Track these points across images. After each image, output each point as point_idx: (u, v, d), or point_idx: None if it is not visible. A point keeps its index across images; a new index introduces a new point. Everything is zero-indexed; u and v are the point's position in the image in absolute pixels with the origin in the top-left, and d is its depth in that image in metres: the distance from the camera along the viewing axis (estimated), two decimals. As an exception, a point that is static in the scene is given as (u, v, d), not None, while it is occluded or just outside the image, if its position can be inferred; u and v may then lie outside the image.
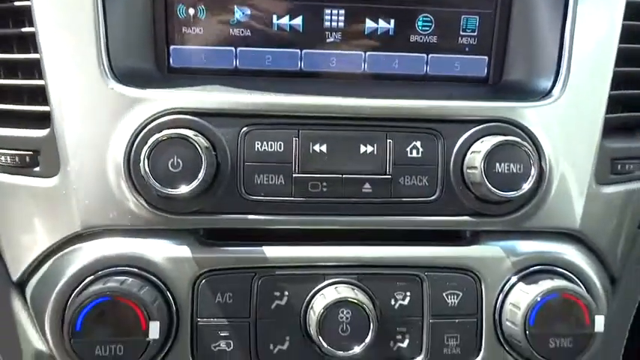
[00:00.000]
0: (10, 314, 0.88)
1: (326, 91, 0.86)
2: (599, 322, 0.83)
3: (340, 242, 0.87)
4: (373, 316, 0.81)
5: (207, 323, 0.83)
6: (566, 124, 0.89)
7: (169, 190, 0.77)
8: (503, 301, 0.87)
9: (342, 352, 0.80)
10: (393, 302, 0.86)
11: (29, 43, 0.85)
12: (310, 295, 0.84)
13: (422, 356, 0.87)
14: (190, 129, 0.79)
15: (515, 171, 0.82)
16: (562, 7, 0.90)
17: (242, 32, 0.92)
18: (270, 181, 0.83)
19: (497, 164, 0.82)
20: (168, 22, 0.91)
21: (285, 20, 0.92)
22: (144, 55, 0.89)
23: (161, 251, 0.83)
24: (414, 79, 0.96)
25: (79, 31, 0.82)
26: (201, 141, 0.78)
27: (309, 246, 0.86)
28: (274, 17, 0.91)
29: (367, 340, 0.80)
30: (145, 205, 0.81)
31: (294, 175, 0.83)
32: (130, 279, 0.80)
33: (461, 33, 0.96)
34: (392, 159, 0.85)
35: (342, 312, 0.81)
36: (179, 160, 0.77)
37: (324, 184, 0.84)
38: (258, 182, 0.83)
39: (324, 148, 0.84)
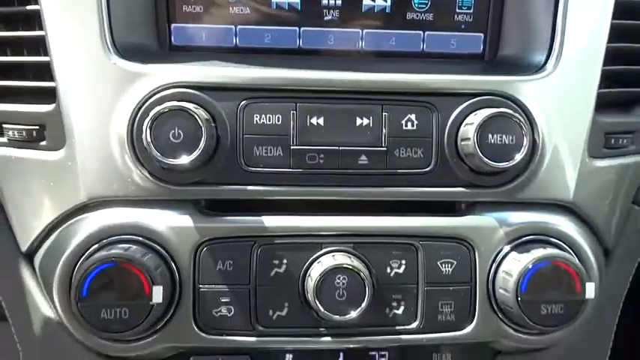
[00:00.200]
0: (20, 284, 0.92)
1: (323, 66, 0.88)
2: (590, 289, 0.85)
3: (337, 213, 0.89)
4: (369, 282, 0.84)
5: (209, 289, 0.86)
6: (559, 97, 0.91)
7: (170, 160, 0.79)
8: (496, 270, 0.89)
9: (338, 317, 0.83)
10: (388, 270, 0.88)
11: (34, 21, 0.87)
12: (308, 262, 0.87)
13: (417, 322, 0.89)
14: (191, 102, 0.82)
15: (507, 142, 0.84)
16: None
17: (241, 10, 0.95)
18: (268, 153, 0.85)
19: (490, 135, 0.84)
20: (169, 0, 0.93)
21: (283, -2, 0.94)
22: (146, 32, 0.92)
23: (164, 221, 0.86)
24: (410, 56, 0.98)
25: (82, 9, 0.85)
26: (201, 113, 0.80)
27: (307, 216, 0.89)
28: (273, -5, 0.94)
29: (363, 305, 0.83)
30: (148, 176, 0.84)
31: (291, 147, 0.86)
32: (134, 246, 0.83)
33: (457, 10, 0.98)
34: (387, 131, 0.87)
35: (339, 278, 0.83)
36: (180, 131, 0.79)
37: (321, 155, 0.86)
38: (257, 154, 0.85)
39: (321, 121, 0.86)
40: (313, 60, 0.94)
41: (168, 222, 0.86)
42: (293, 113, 0.86)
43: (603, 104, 0.95)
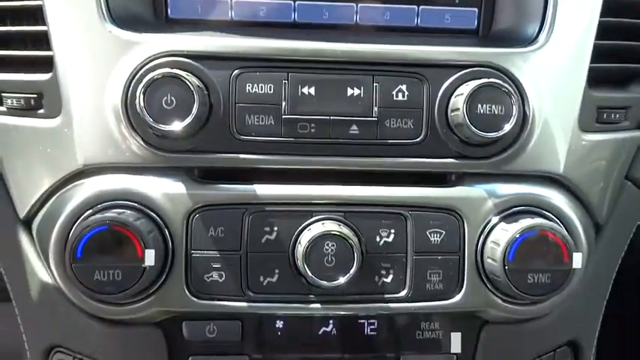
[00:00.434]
0: (19, 250, 0.94)
1: (316, 38, 0.89)
2: (577, 259, 0.86)
3: (328, 182, 0.91)
4: (357, 249, 0.85)
5: (201, 255, 0.87)
6: (551, 70, 0.92)
7: (163, 126, 0.81)
8: (484, 240, 0.90)
9: (326, 283, 0.84)
10: (378, 239, 0.89)
11: None
12: (298, 230, 0.88)
13: (405, 291, 0.90)
14: (184, 70, 0.83)
15: (496, 112, 0.85)
16: None
17: (238, -16, 0.96)
18: (260, 122, 0.87)
19: (479, 106, 0.85)
20: (166, -28, 0.95)
21: (278, -29, 0.95)
22: (143, 4, 0.93)
23: (157, 187, 0.87)
24: (405, 31, 0.99)
25: None
26: (193, 80, 0.82)
27: (298, 185, 0.90)
28: (268, -31, 0.95)
29: (351, 271, 0.84)
30: (142, 143, 0.85)
31: (283, 117, 0.87)
32: (128, 211, 0.85)
33: None
34: (378, 102, 0.88)
35: (328, 245, 0.85)
36: (172, 97, 0.81)
37: (313, 125, 0.87)
38: (249, 123, 0.87)
39: (312, 90, 0.87)
40: (307, 33, 0.95)
41: (162, 189, 0.87)
42: (285, 83, 0.87)
43: (597, 80, 0.96)
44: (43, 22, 0.88)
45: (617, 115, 0.98)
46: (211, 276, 0.88)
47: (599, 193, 0.97)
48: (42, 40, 0.88)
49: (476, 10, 1.00)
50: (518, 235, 0.85)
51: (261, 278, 0.88)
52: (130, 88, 0.83)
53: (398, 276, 0.90)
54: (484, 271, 0.90)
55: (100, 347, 0.93)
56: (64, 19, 0.87)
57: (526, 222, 0.86)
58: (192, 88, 0.81)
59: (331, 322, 0.96)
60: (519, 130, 0.88)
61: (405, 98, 0.88)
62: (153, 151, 0.86)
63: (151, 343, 0.93)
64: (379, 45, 0.89)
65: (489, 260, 0.88)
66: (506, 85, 0.85)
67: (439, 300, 0.91)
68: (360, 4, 0.98)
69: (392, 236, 0.90)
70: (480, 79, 0.87)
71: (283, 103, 0.87)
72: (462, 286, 0.91)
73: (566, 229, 0.90)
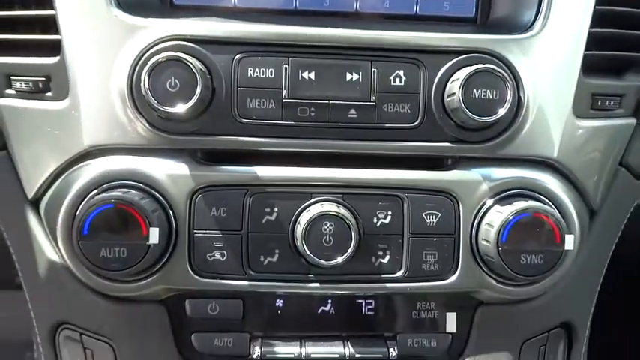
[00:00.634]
0: (27, 230, 0.97)
1: (316, 24, 0.91)
2: (569, 241, 0.88)
3: (327, 165, 0.93)
4: (355, 229, 0.87)
5: (203, 235, 0.90)
6: (546, 57, 0.94)
7: (167, 108, 0.83)
8: (479, 222, 0.92)
9: (325, 262, 0.87)
10: (375, 220, 0.92)
11: None
12: (298, 211, 0.90)
13: (402, 271, 0.93)
14: (188, 54, 0.85)
15: (491, 97, 0.87)
16: None
17: (241, -29, 0.98)
18: (261, 106, 0.89)
19: (475, 90, 0.87)
20: (171, -42, 0.97)
21: (280, -41, 0.97)
22: None
23: (161, 168, 0.90)
24: (404, 19, 1.01)
25: None
26: (196, 64, 0.84)
27: (298, 167, 0.92)
28: (270, -44, 0.97)
29: (349, 250, 0.87)
30: (147, 125, 0.88)
31: (284, 100, 0.89)
32: (133, 191, 0.87)
33: None
34: (376, 86, 0.90)
35: (326, 225, 0.87)
36: (176, 80, 0.83)
37: (312, 109, 0.90)
38: (251, 106, 0.89)
39: (312, 75, 0.90)
40: (308, 20, 0.97)
41: (166, 170, 0.90)
42: (285, 67, 0.89)
43: (593, 67, 0.98)
44: (52, 7, 0.90)
45: (612, 102, 1.00)
46: (213, 255, 0.90)
47: (593, 178, 0.99)
48: (50, 25, 0.91)
49: None
50: (511, 217, 0.88)
51: (262, 258, 0.91)
52: (136, 71, 0.86)
53: (394, 256, 0.92)
54: (478, 253, 0.93)
55: (106, 323, 0.96)
56: (72, 3, 0.89)
57: (520, 204, 0.89)
58: (195, 72, 0.83)
59: (330, 301, 0.99)
60: (514, 115, 0.90)
61: (403, 83, 0.91)
62: (157, 133, 0.88)
63: (155, 319, 0.96)
64: (378, 31, 0.91)
65: (483, 242, 0.91)
66: (501, 70, 0.87)
67: (435, 280, 0.93)
68: (360, -8, 1.00)
69: (389, 218, 0.92)
70: (475, 64, 0.89)
71: (284, 87, 0.89)
72: (456, 267, 0.93)
73: (559, 212, 0.92)
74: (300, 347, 0.96)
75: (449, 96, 0.89)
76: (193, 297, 0.96)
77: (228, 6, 0.99)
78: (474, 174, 0.94)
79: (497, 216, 0.89)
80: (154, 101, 0.83)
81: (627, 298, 1.48)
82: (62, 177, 0.92)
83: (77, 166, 0.91)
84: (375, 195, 0.92)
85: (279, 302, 0.98)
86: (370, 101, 0.90)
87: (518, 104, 0.90)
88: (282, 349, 0.96)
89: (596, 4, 0.96)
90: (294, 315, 0.99)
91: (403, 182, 0.93)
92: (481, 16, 1.03)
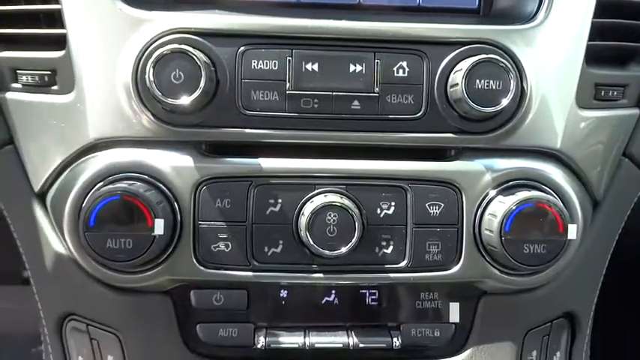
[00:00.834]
0: (34, 223, 0.98)
1: (319, 16, 0.92)
2: (572, 231, 0.88)
3: (330, 157, 0.93)
4: (358, 219, 0.88)
5: (208, 226, 0.91)
6: (549, 47, 0.94)
7: (172, 100, 0.84)
8: (482, 213, 0.92)
9: (328, 252, 0.88)
10: (378, 211, 0.92)
11: None
12: (302, 202, 0.91)
13: (405, 262, 0.93)
14: (192, 46, 0.86)
15: (494, 87, 0.87)
16: None
17: (243, -36, 0.99)
18: (265, 97, 0.90)
19: (478, 81, 0.87)
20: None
21: (282, -48, 0.97)
22: None
23: (166, 160, 0.91)
24: (407, 10, 1.01)
25: None
26: (200, 56, 0.85)
27: (302, 159, 0.93)
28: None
29: (353, 240, 0.87)
30: (152, 118, 0.88)
31: (287, 92, 0.90)
32: (138, 183, 0.88)
33: None
34: (379, 78, 0.90)
35: (330, 215, 0.88)
36: (181, 72, 0.84)
37: (316, 100, 0.90)
38: (255, 98, 0.90)
39: (315, 67, 0.90)
40: (311, 13, 0.98)
41: (171, 162, 0.91)
42: (289, 59, 0.90)
43: (597, 57, 0.98)
44: (57, 1, 0.91)
45: (615, 93, 1.00)
46: (218, 246, 0.91)
47: (596, 168, 0.99)
48: (55, 19, 0.92)
49: None
50: (514, 207, 0.88)
51: (266, 248, 0.92)
52: (140, 64, 0.86)
53: (398, 247, 0.93)
54: (482, 243, 0.93)
55: (112, 314, 0.97)
56: None
57: (523, 194, 0.89)
58: (199, 64, 0.84)
59: (333, 291, 0.99)
60: (517, 106, 0.91)
61: (406, 74, 0.91)
62: (162, 126, 0.89)
63: (160, 310, 0.97)
64: (381, 22, 0.91)
65: (487, 232, 0.91)
66: (503, 60, 0.88)
67: (438, 271, 0.94)
68: (363, -15, 1.01)
69: (392, 208, 0.93)
70: (478, 55, 0.89)
71: (287, 79, 0.90)
72: (460, 257, 0.94)
73: (562, 201, 0.92)
74: (304, 337, 0.96)
75: (452, 87, 0.90)
76: (198, 288, 0.97)
77: (232, -1, 1.00)
78: (477, 164, 0.94)
79: (501, 206, 0.89)
80: (158, 94, 0.84)
81: (630, 289, 1.48)
82: (68, 170, 0.93)
83: (83, 159, 0.92)
84: (378, 186, 0.93)
85: (284, 293, 0.99)
86: (373, 92, 0.91)
87: (521, 95, 0.90)
88: (287, 339, 0.96)
89: None
90: (298, 305, 0.99)
91: (406, 173, 0.93)
92: (484, 7, 1.03)
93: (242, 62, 0.89)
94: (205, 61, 0.85)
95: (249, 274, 0.92)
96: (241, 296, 0.97)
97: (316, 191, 0.92)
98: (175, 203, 0.90)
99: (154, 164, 0.90)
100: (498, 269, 0.94)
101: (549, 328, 1.04)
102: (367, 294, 1.00)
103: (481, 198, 0.93)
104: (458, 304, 1.00)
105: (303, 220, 0.88)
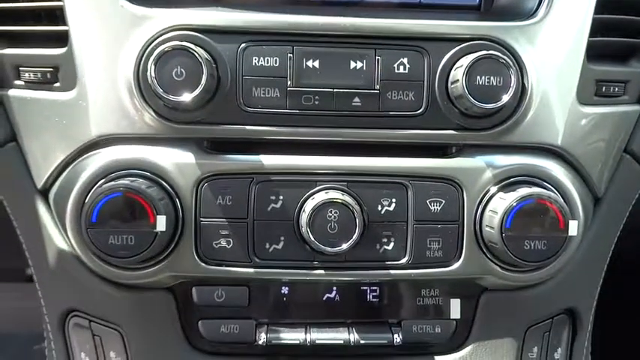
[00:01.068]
0: (36, 219, 0.98)
1: (320, 12, 0.92)
2: (573, 227, 0.88)
3: (332, 153, 0.94)
4: (359, 216, 0.88)
5: (210, 223, 0.91)
6: (549, 43, 0.94)
7: (173, 97, 0.84)
8: (483, 209, 0.93)
9: (329, 248, 0.88)
10: (379, 208, 0.93)
11: None
12: (303, 199, 0.91)
13: (406, 258, 0.94)
14: (193, 44, 0.86)
15: (495, 83, 0.88)
16: None
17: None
18: (266, 94, 0.90)
19: (478, 77, 0.87)
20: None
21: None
22: None
23: (168, 157, 0.91)
24: (408, 7, 1.01)
25: None
26: (202, 53, 0.85)
27: (303, 156, 0.93)
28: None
29: (354, 237, 0.88)
30: (154, 114, 0.89)
31: (288, 89, 0.90)
32: (140, 179, 0.88)
33: None
34: (380, 74, 0.91)
35: (331, 212, 0.88)
36: (182, 69, 0.84)
37: (317, 97, 0.90)
38: (256, 95, 0.90)
39: (316, 63, 0.90)
40: (312, 8, 0.98)
41: (173, 159, 0.91)
42: (290, 56, 0.90)
43: (598, 54, 0.98)
44: None
45: (616, 89, 1.00)
46: (219, 243, 0.92)
47: (597, 165, 0.99)
48: (57, 16, 0.92)
49: None
50: (515, 204, 0.88)
51: (267, 245, 0.92)
52: (142, 61, 0.87)
53: (399, 244, 0.93)
54: (482, 239, 0.93)
55: (115, 311, 0.98)
56: None
57: (524, 191, 0.89)
58: (200, 61, 0.84)
59: (335, 288, 1.00)
60: (518, 102, 0.91)
61: (407, 71, 0.91)
62: (164, 122, 0.89)
63: (162, 306, 0.97)
64: (381, 19, 0.91)
65: (487, 228, 0.91)
66: (504, 57, 0.88)
67: (439, 267, 0.94)
68: (364, -19, 1.01)
69: (393, 205, 0.93)
70: (479, 51, 0.89)
71: (288, 76, 0.90)
72: (460, 254, 0.94)
73: (563, 198, 0.92)
74: (306, 333, 0.97)
75: (453, 83, 0.90)
76: (200, 284, 0.97)
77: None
78: (478, 161, 0.94)
79: (501, 202, 0.89)
80: (160, 90, 0.84)
81: (631, 286, 1.48)
82: (71, 166, 0.94)
83: (85, 156, 0.93)
84: (379, 182, 0.93)
85: (285, 289, 0.99)
86: (374, 89, 0.91)
87: (522, 91, 0.90)
88: (288, 335, 0.97)
89: None
90: (300, 302, 1.00)
91: (407, 170, 0.93)
92: (484, 4, 1.02)
93: (243, 59, 0.89)
94: (207, 58, 0.86)
95: (251, 270, 0.92)
96: (243, 293, 0.98)
97: (317, 188, 0.92)
98: (177, 200, 0.90)
99: (156, 161, 0.91)
100: (499, 266, 0.94)
101: (550, 325, 1.04)
102: (368, 290, 1.00)
103: (482, 194, 0.93)
104: (459, 300, 1.00)
105: (304, 217, 0.88)
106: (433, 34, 0.91)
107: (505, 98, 0.88)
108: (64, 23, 0.91)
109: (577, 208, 0.94)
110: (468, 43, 0.91)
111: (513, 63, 0.88)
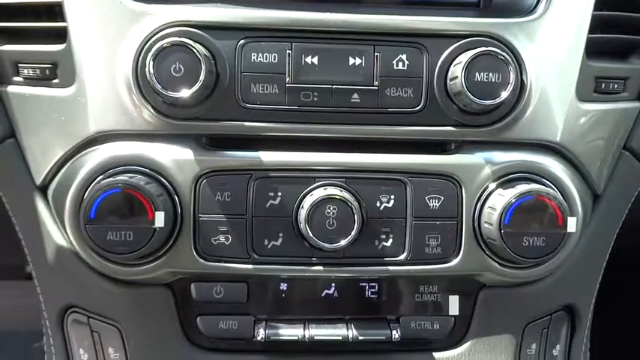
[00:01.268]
0: (35, 216, 0.98)
1: (320, 9, 0.92)
2: (572, 224, 0.88)
3: (330, 150, 0.94)
4: (358, 212, 0.88)
5: (208, 219, 0.91)
6: (549, 40, 0.94)
7: (171, 93, 0.84)
8: (482, 206, 0.93)
9: (328, 245, 0.88)
10: (378, 204, 0.93)
11: None
12: (301, 195, 0.91)
13: (405, 254, 0.94)
14: (192, 39, 0.86)
15: (493, 80, 0.88)
16: None
17: (242, -43, 0.99)
18: (265, 91, 0.90)
19: (477, 74, 0.87)
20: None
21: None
22: None
23: (167, 154, 0.91)
24: (407, 3, 1.01)
25: None
26: (200, 49, 0.85)
27: (302, 152, 0.93)
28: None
29: (352, 233, 0.88)
30: (152, 111, 0.89)
31: (287, 85, 0.90)
32: (139, 176, 0.88)
33: None
34: (379, 71, 0.91)
35: (329, 208, 0.88)
36: (181, 65, 0.84)
37: (315, 93, 0.90)
38: (255, 91, 0.90)
39: (315, 60, 0.90)
40: (311, 5, 0.98)
41: (171, 155, 0.91)
42: (289, 52, 0.90)
43: (597, 50, 0.98)
44: None
45: (616, 86, 1.00)
46: (218, 239, 0.92)
47: (597, 161, 0.99)
48: (56, 12, 0.92)
49: None
50: (514, 200, 0.88)
51: (266, 241, 0.92)
52: (141, 57, 0.87)
53: (397, 240, 0.93)
54: (481, 236, 0.93)
55: (113, 307, 0.98)
56: None
57: (522, 187, 0.89)
58: (199, 57, 0.84)
59: (333, 284, 1.00)
60: (517, 99, 0.91)
61: (405, 67, 0.91)
62: (162, 119, 0.89)
63: (161, 302, 0.97)
64: (380, 15, 0.91)
65: (486, 225, 0.91)
66: (503, 53, 0.88)
67: (437, 263, 0.94)
68: (363, -22, 1.00)
69: (392, 201, 0.93)
70: (478, 48, 0.89)
71: (287, 73, 0.90)
72: (459, 250, 0.94)
73: (562, 194, 0.92)
74: (304, 329, 0.97)
75: (451, 80, 0.90)
76: (199, 280, 0.97)
77: (230, -7, 1.00)
78: (476, 158, 0.94)
79: (500, 199, 0.89)
80: (158, 86, 0.84)
81: (630, 283, 1.48)
82: (69, 163, 0.94)
83: (84, 152, 0.93)
84: (378, 179, 0.93)
85: (283, 286, 0.99)
86: (373, 86, 0.91)
87: (521, 87, 0.90)
88: (286, 331, 0.97)
89: None
90: (298, 298, 1.00)
91: (406, 166, 0.93)
92: (484, 1, 1.02)
93: (242, 55, 0.89)
94: (205, 54, 0.86)
95: (249, 266, 0.93)
96: (241, 289, 0.98)
97: (316, 184, 0.92)
98: (176, 196, 0.91)
99: (155, 157, 0.91)
100: (498, 262, 0.94)
101: (549, 321, 1.05)
102: (367, 287, 1.00)
103: (481, 191, 0.93)
104: (457, 296, 1.00)
105: (303, 213, 0.89)
106: (432, 30, 0.91)
107: (504, 95, 0.88)
108: (63, 19, 0.91)
109: (576, 204, 0.94)
110: (466, 40, 0.91)
111: (512, 59, 0.88)
